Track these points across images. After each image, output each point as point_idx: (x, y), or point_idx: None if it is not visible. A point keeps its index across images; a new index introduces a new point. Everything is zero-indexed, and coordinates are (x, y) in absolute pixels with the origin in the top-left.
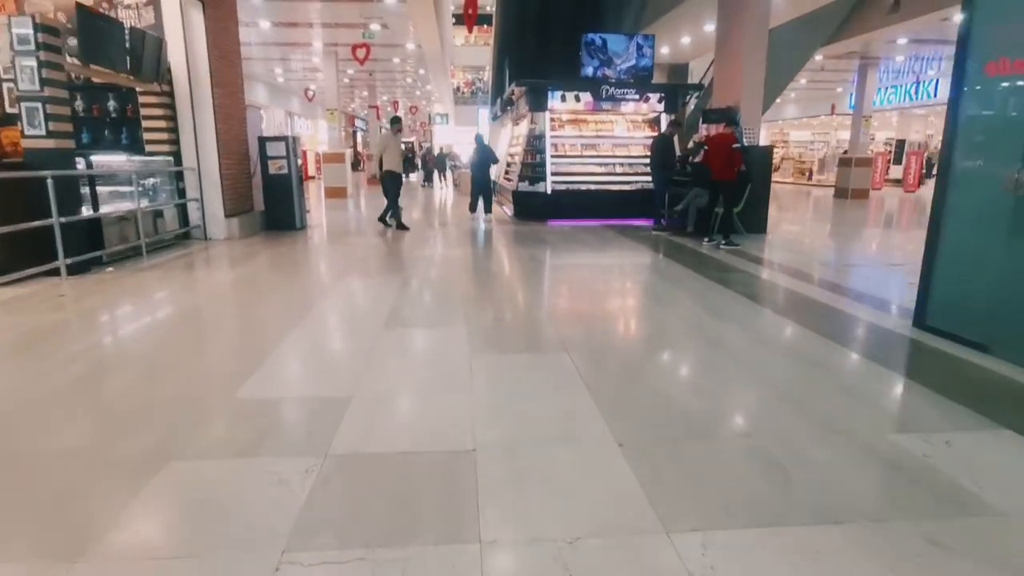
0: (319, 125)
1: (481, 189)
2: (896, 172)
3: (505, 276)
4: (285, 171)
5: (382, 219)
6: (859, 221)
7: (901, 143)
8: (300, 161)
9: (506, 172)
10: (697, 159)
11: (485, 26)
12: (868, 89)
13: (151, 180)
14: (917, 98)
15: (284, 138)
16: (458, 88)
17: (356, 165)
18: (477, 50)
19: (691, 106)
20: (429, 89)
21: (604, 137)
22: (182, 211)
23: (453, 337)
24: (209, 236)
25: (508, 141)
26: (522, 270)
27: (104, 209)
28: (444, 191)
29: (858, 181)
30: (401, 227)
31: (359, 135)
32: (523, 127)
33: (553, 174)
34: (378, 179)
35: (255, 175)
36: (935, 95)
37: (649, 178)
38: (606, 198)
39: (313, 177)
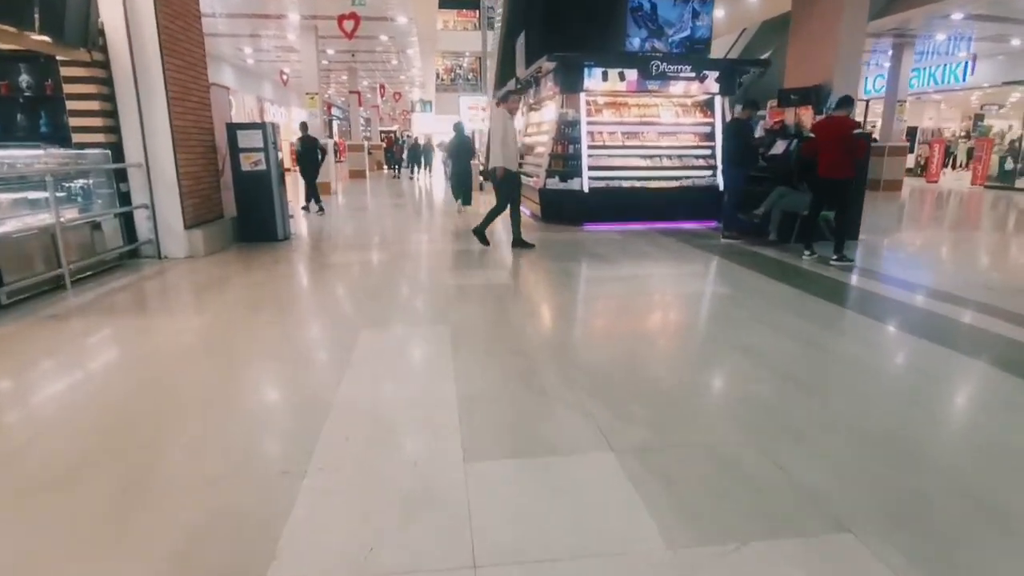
0: (293, 113)
1: (462, 181)
2: (907, 161)
3: (592, 319)
4: (263, 167)
5: (517, 242)
6: (942, 219)
7: (913, 130)
8: (280, 154)
9: (520, 165)
10: (776, 152)
11: (465, 10)
12: (903, 70)
13: (80, 182)
14: (943, 82)
15: (260, 126)
16: (437, 74)
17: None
18: (457, 35)
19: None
20: (413, 73)
21: (649, 124)
22: (127, 222)
23: (624, 507)
24: (164, 254)
25: (522, 129)
26: (603, 305)
27: (2, 227)
28: (418, 182)
29: (891, 171)
30: (520, 243)
31: (335, 124)
32: (549, 112)
33: (590, 168)
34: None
35: (223, 173)
36: (964, 79)
37: (702, 173)
38: (652, 197)
39: (290, 170)
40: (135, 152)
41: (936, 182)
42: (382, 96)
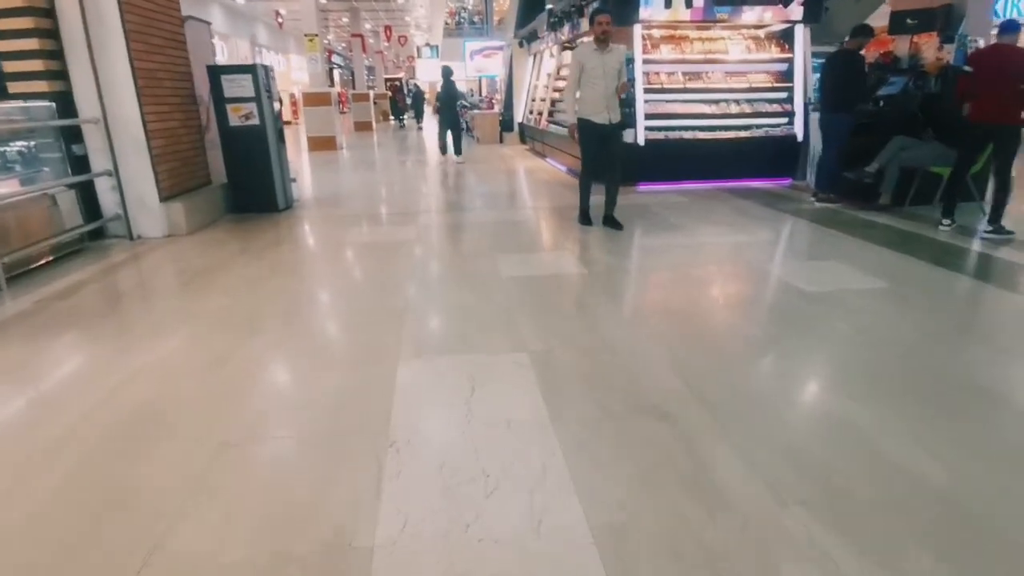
0: (292, 60)
1: (450, 128)
2: None
3: (724, 336)
4: (255, 121)
5: (609, 218)
6: None
7: None
8: (278, 105)
9: (550, 114)
10: (890, 91)
11: None
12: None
13: (19, 144)
14: None
15: (250, 68)
16: None
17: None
18: None
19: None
20: (419, 15)
21: (715, 61)
22: (87, 194)
23: None
24: (137, 233)
25: (552, 73)
26: (719, 309)
27: None
28: (425, 132)
29: None
30: (585, 218)
31: (336, 73)
32: None
33: (647, 117)
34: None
35: (208, 129)
36: None
37: (777, 121)
38: (717, 150)
39: (290, 122)
40: (89, 104)
41: None
42: (387, 40)
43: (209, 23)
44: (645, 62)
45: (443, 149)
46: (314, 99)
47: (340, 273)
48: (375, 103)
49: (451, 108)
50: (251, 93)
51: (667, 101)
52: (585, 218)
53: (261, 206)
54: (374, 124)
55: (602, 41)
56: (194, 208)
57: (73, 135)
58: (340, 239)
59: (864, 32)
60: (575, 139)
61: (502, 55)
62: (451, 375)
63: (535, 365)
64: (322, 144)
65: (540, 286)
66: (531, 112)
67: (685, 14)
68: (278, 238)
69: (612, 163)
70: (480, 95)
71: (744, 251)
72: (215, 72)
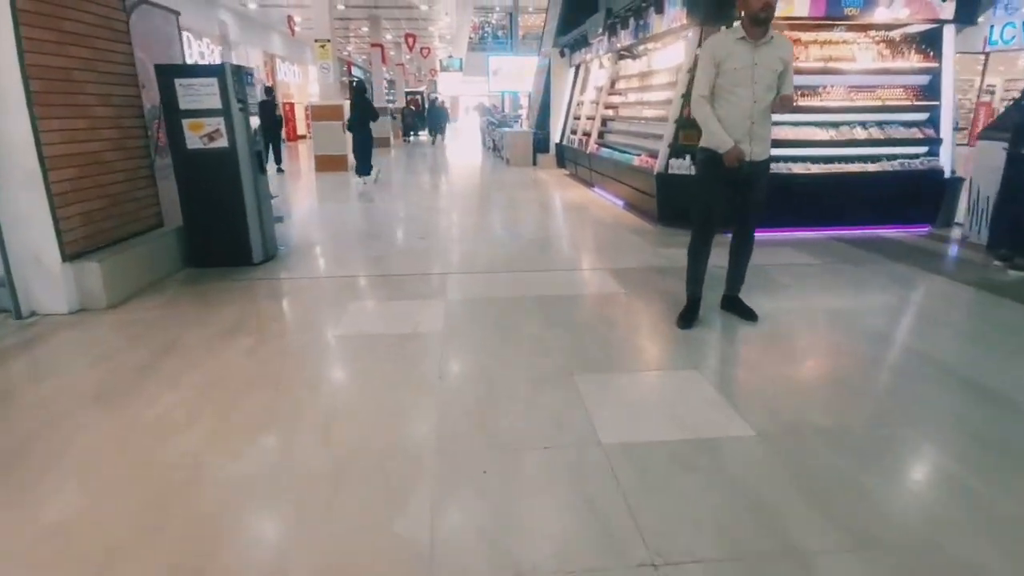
0: (309, 72)
1: (360, 148)
2: None
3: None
4: (223, 143)
5: (733, 301)
6: None
7: None
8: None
9: (599, 136)
10: None
11: None
12: None
13: None
14: None
15: (216, 70)
16: None
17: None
18: None
19: None
20: (443, 25)
21: (834, 72)
22: None
23: None
24: (30, 308)
25: (604, 87)
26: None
27: None
28: (445, 151)
29: None
30: (689, 316)
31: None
32: (667, 57)
33: None
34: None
35: (162, 153)
36: None
37: (916, 150)
38: (836, 188)
39: (304, 136)
40: None
41: None
42: (410, 50)
43: (177, 13)
44: None
45: (359, 171)
46: (324, 112)
47: (313, 421)
48: (393, 117)
49: (364, 127)
50: (217, 104)
51: (772, 124)
52: (692, 314)
53: (229, 258)
54: (392, 140)
55: (759, 23)
56: (120, 268)
57: None
58: (326, 326)
59: None
60: (695, 175)
61: (536, 66)
62: None
63: None
64: (331, 164)
65: (685, 481)
66: (573, 132)
67: (803, 8)
68: (237, 320)
69: (745, 219)
70: (502, 111)
71: (988, 373)
72: (167, 74)
